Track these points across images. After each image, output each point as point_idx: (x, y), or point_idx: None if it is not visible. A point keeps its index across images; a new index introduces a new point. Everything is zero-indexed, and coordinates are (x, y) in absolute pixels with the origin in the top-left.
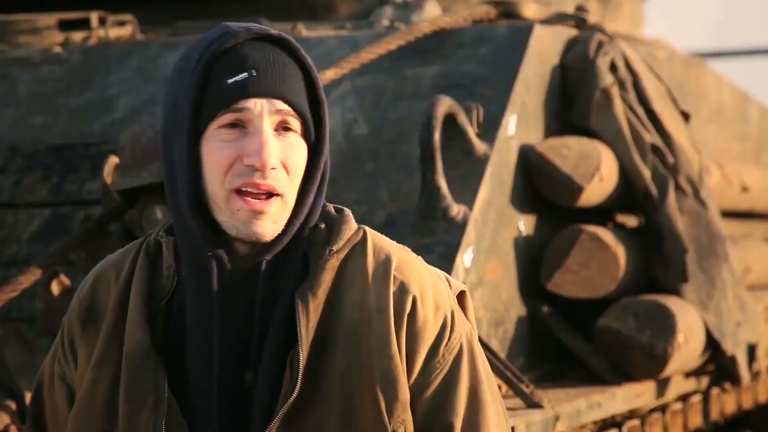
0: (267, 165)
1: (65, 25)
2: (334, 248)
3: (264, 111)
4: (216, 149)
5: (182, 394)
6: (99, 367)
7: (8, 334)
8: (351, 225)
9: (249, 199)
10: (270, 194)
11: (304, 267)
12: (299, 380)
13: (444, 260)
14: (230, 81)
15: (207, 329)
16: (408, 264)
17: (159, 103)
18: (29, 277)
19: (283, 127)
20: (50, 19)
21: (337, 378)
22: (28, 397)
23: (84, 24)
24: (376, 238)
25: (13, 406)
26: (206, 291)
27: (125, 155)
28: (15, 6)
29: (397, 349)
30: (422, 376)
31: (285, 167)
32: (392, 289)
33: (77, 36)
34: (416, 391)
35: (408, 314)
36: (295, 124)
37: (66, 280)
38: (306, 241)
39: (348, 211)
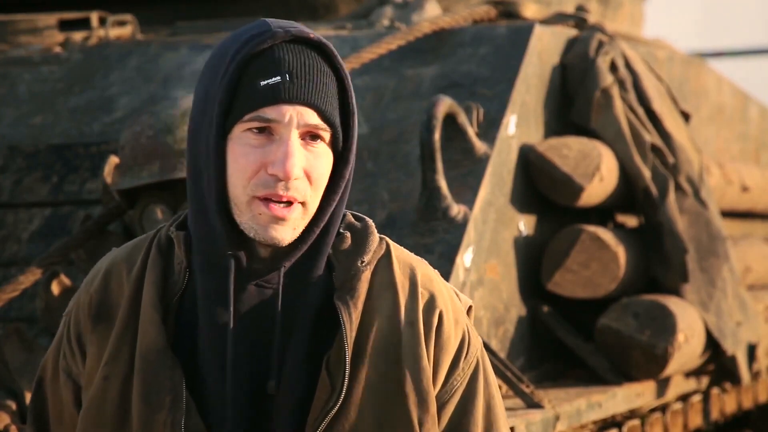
0: (291, 176)
1: (65, 25)
2: (365, 260)
3: (293, 119)
4: (241, 154)
5: (196, 394)
6: (111, 364)
7: (8, 333)
8: (375, 236)
9: (271, 204)
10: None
11: (327, 274)
12: (344, 389)
13: (444, 260)
14: (263, 83)
15: (220, 332)
16: (430, 278)
17: (159, 103)
18: (29, 277)
19: (310, 136)
20: (50, 19)
21: (369, 389)
22: (28, 396)
23: (84, 24)
24: (397, 251)
25: (13, 406)
26: (222, 291)
27: (125, 155)
28: (15, 6)
29: (428, 364)
30: (444, 388)
31: (308, 177)
32: (421, 303)
33: (77, 36)
34: (438, 403)
35: (435, 328)
36: (324, 133)
37: (66, 280)
38: (331, 248)
39: (370, 221)
